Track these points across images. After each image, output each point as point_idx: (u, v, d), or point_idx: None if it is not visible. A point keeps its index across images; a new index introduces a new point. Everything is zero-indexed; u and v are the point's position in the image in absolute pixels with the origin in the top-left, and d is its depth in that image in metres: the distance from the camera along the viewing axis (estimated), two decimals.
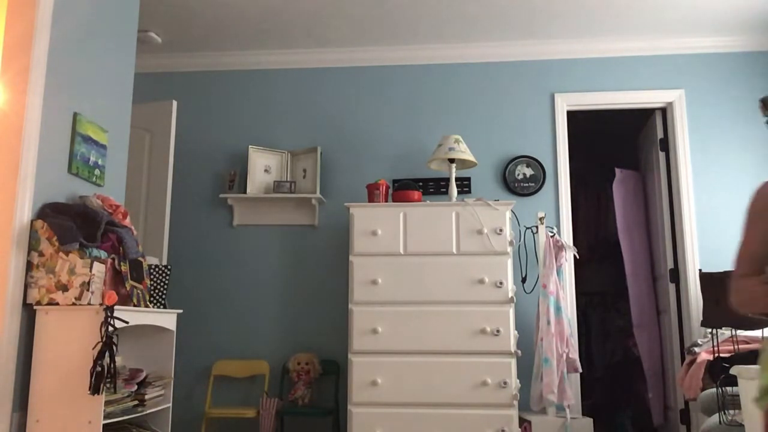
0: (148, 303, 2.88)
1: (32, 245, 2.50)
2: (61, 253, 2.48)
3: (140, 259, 2.87)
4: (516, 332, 3.57)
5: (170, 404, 2.99)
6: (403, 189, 3.88)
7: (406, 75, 4.48)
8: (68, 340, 2.43)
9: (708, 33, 4.23)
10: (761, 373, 1.46)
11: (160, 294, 3.06)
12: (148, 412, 2.79)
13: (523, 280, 4.08)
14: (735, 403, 2.68)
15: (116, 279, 2.65)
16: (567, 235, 4.17)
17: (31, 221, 2.51)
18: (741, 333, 3.03)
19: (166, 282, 3.09)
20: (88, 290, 2.46)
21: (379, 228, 3.68)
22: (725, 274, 2.82)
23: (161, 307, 3.05)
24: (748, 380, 2.27)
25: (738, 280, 1.53)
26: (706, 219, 4.11)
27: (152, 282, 3.03)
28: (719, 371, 2.85)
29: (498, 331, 3.51)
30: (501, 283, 3.57)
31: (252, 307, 4.29)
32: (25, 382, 2.44)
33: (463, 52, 4.42)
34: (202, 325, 4.24)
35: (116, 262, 2.66)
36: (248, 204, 4.37)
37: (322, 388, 4.07)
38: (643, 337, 4.56)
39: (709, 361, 3.12)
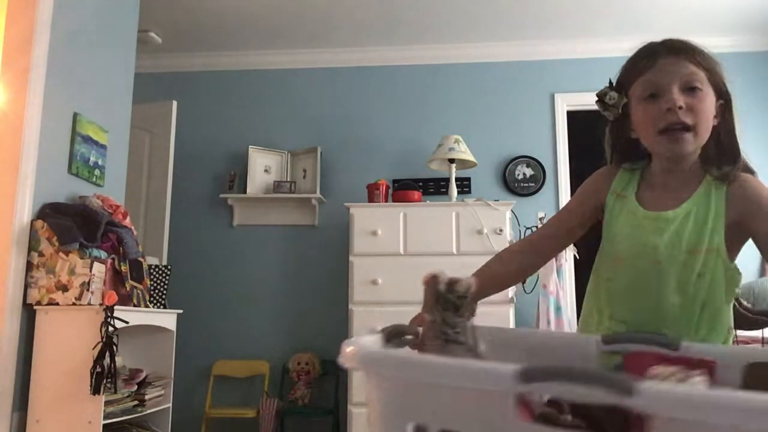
0: (148, 303, 2.88)
1: (32, 245, 2.50)
2: (61, 253, 2.48)
3: (140, 259, 2.87)
4: None
5: (170, 404, 3.00)
6: (403, 189, 3.88)
7: (406, 75, 4.48)
8: (68, 340, 2.43)
9: (708, 33, 4.22)
10: None
11: (160, 294, 3.06)
12: (148, 412, 2.79)
13: (523, 281, 4.07)
14: None
15: (116, 279, 2.65)
16: None
17: (31, 221, 2.51)
18: (741, 333, 3.03)
19: (166, 282, 3.10)
20: (88, 290, 2.46)
21: (379, 228, 3.68)
22: None
23: (161, 307, 3.05)
24: None
25: None
26: None
27: (152, 282, 3.03)
28: None
29: None
30: None
31: (252, 307, 4.28)
32: (25, 382, 2.44)
33: (463, 52, 4.42)
34: (202, 325, 4.24)
35: (116, 262, 2.66)
36: (248, 204, 4.37)
37: (322, 388, 4.07)
38: None
39: None
